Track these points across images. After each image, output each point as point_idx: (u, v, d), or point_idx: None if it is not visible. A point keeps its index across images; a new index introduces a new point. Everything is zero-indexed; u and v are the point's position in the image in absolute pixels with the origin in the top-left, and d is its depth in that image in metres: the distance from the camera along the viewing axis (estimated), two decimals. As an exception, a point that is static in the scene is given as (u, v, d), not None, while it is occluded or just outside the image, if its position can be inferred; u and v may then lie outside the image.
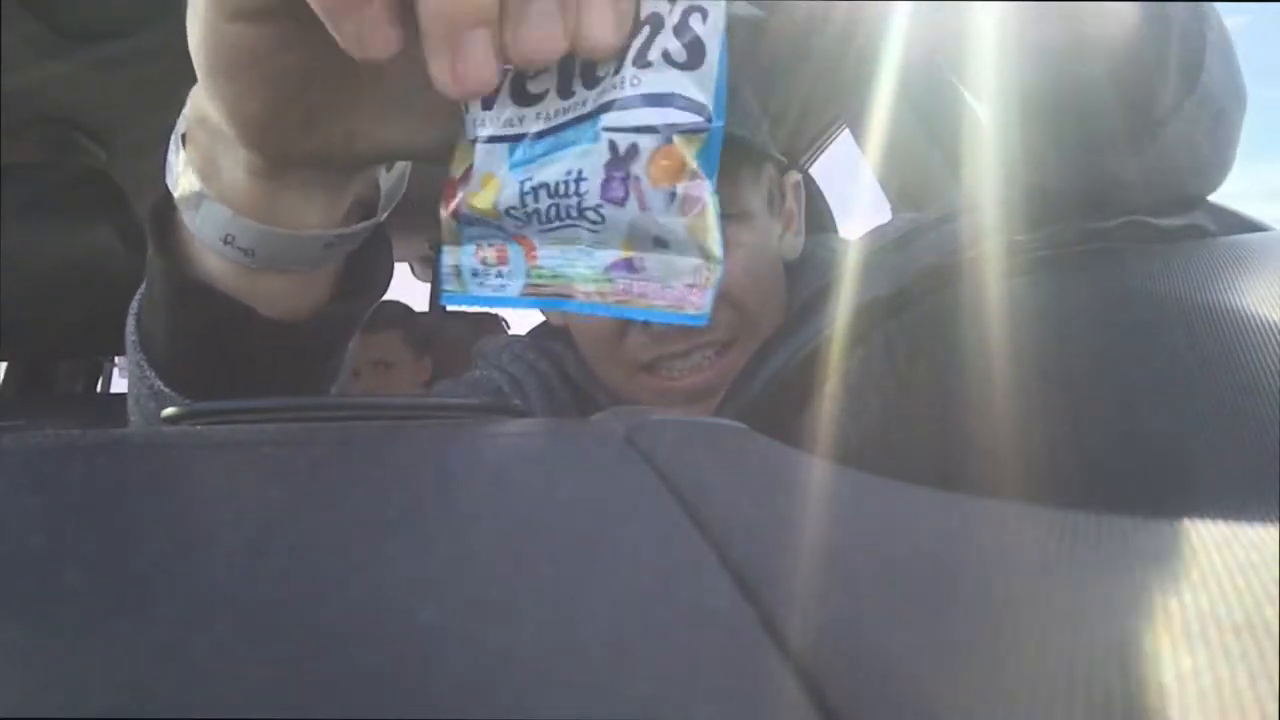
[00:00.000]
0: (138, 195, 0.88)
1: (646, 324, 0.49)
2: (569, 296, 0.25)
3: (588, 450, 0.19)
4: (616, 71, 0.21)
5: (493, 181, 0.24)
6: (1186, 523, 0.14)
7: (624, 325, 0.51)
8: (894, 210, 1.03)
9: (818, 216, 0.97)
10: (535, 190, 0.23)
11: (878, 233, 0.43)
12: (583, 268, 0.24)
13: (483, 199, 0.24)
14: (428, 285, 2.19)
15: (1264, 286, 0.28)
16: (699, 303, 0.22)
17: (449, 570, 0.12)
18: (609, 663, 0.09)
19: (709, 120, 0.21)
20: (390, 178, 0.33)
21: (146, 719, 0.08)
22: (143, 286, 0.35)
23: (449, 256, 0.26)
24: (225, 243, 0.29)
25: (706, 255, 0.22)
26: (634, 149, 0.21)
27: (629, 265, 0.23)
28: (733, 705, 0.09)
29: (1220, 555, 0.13)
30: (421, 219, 0.42)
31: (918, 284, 0.30)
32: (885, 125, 0.90)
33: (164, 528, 0.13)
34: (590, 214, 0.23)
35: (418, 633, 0.10)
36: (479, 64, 0.20)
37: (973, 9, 0.22)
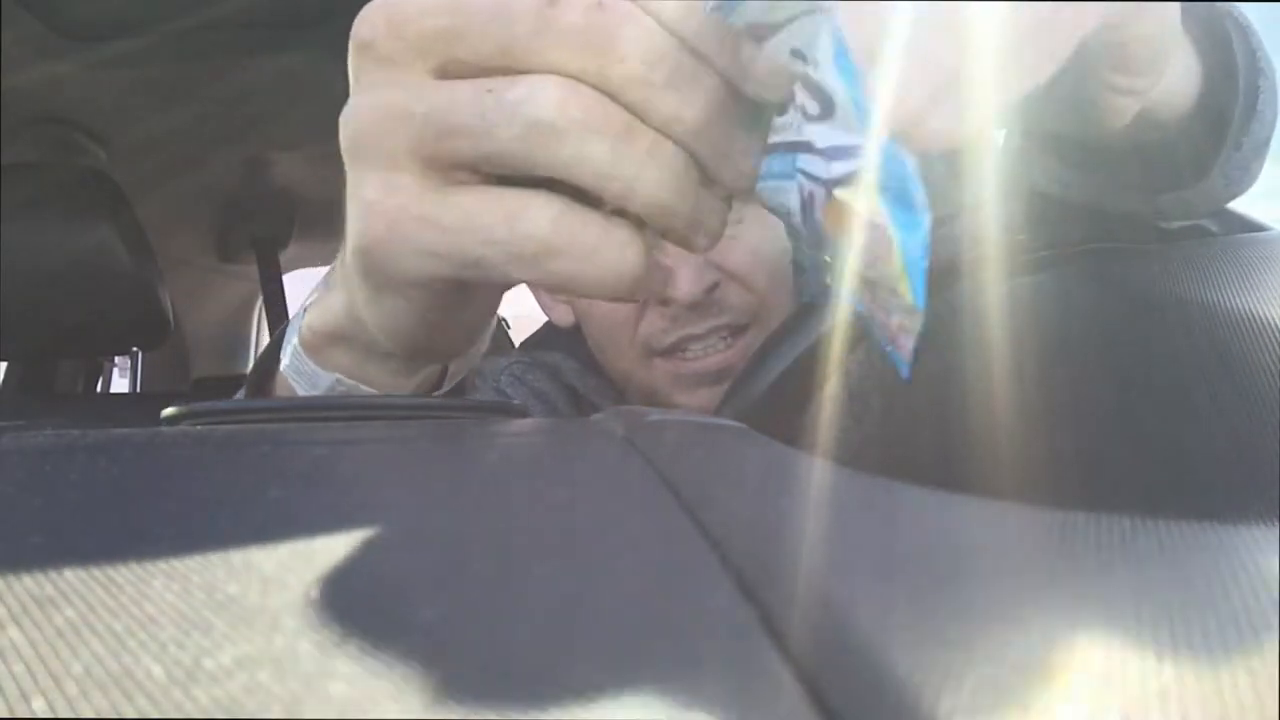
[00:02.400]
0: (138, 195, 0.88)
1: (665, 304, 0.49)
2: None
3: (588, 450, 0.19)
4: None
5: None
6: (1186, 523, 0.14)
7: (641, 308, 0.51)
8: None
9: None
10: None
11: None
12: None
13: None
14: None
15: (1264, 286, 0.28)
16: (903, 351, 0.19)
17: (449, 570, 0.12)
18: (609, 663, 0.09)
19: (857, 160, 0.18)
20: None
21: (140, 718, 0.08)
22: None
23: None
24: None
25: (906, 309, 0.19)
26: (810, 197, 0.19)
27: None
28: (733, 705, 0.09)
29: (1220, 555, 0.13)
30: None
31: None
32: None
33: (164, 528, 0.13)
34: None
35: (418, 633, 0.10)
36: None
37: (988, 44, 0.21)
